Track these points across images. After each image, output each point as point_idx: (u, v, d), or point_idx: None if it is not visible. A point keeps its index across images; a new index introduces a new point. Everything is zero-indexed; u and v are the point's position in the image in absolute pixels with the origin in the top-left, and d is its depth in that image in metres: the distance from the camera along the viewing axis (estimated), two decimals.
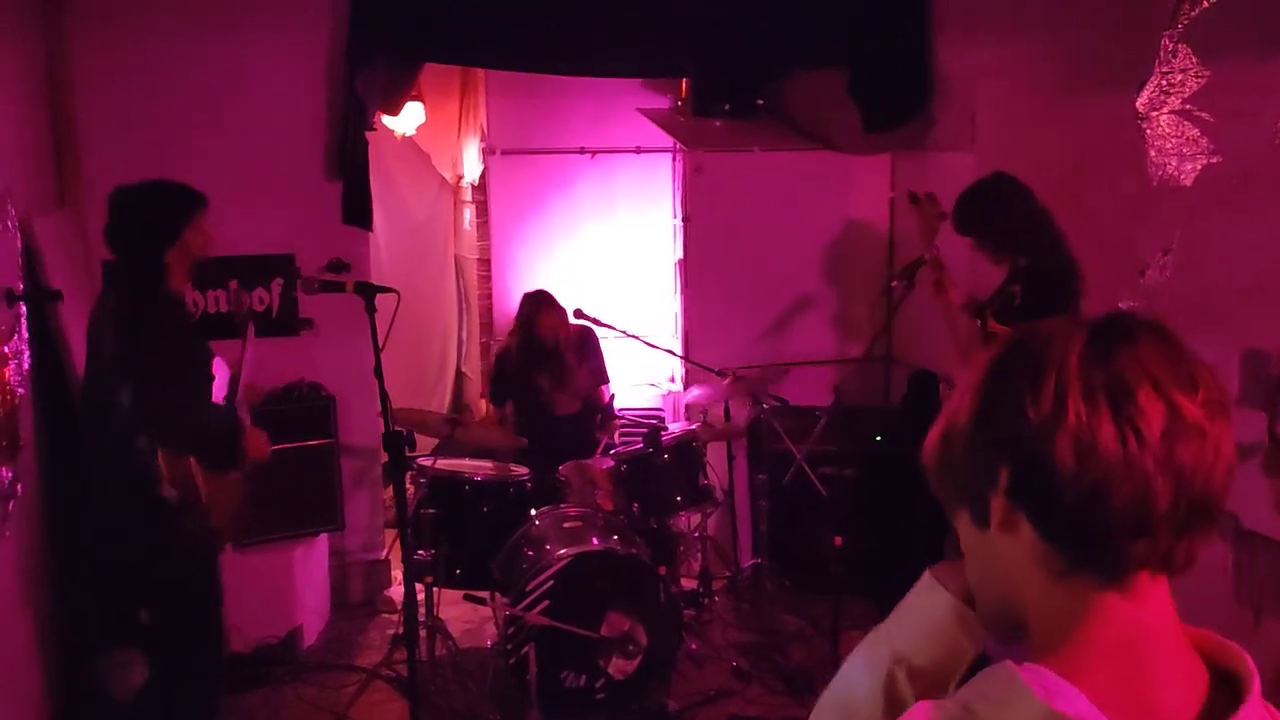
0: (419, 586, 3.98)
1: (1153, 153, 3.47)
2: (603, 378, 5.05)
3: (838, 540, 3.77)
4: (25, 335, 3.63)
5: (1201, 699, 0.83)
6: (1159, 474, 0.79)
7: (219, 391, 3.38)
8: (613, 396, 5.03)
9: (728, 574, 4.99)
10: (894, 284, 4.09)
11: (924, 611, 0.98)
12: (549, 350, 4.79)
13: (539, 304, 4.81)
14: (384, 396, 3.28)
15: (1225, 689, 0.84)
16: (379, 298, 3.45)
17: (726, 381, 4.61)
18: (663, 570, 3.91)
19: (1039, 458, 0.80)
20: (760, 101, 5.76)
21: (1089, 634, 0.83)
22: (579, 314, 4.83)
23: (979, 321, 3.60)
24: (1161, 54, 3.40)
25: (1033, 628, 0.87)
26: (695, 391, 4.75)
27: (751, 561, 4.87)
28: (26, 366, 3.58)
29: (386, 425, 3.25)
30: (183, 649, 3.29)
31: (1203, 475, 0.81)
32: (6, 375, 3.43)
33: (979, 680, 0.84)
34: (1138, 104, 3.51)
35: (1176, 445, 0.80)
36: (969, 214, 3.61)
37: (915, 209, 3.97)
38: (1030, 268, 3.49)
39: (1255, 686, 0.83)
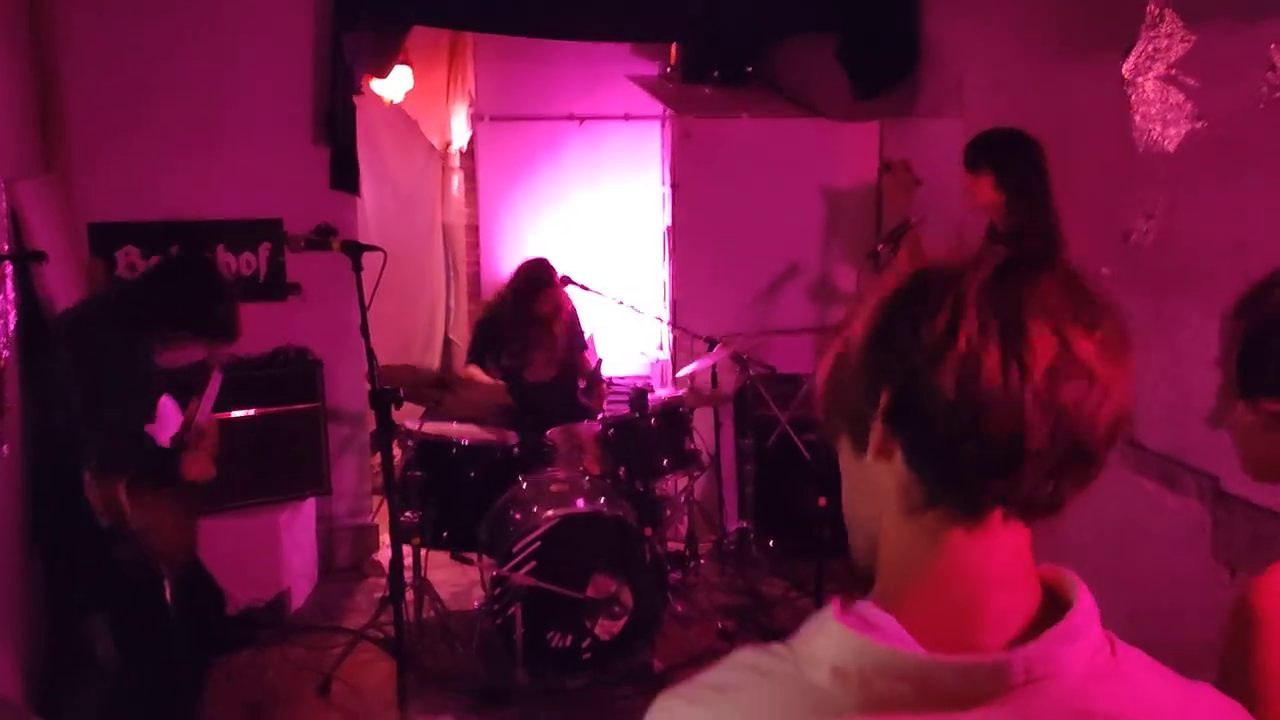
0: (407, 549, 4.01)
1: (1138, 118, 3.47)
2: (580, 343, 5.03)
3: (822, 501, 3.81)
4: (10, 296, 3.62)
5: (1028, 620, 0.83)
6: (1036, 411, 0.76)
7: (165, 430, 3.27)
8: (600, 362, 5.03)
9: (713, 537, 5.04)
10: (879, 248, 4.11)
11: None
12: (539, 321, 4.78)
13: (541, 281, 4.76)
14: (370, 355, 3.29)
15: (1057, 611, 0.83)
16: (366, 259, 3.46)
17: (715, 349, 4.63)
18: (648, 532, 3.95)
19: (921, 383, 0.78)
20: (749, 69, 5.76)
21: (927, 569, 0.83)
22: (566, 280, 4.82)
23: None
24: (1148, 19, 3.40)
25: (881, 562, 0.86)
26: (688, 369, 4.74)
27: (737, 525, 4.91)
28: (11, 328, 3.58)
29: (373, 384, 3.26)
30: (133, 665, 3.24)
31: (1085, 419, 0.78)
32: None
33: (810, 620, 0.85)
34: (1124, 69, 3.51)
35: (1061, 384, 0.77)
36: (992, 150, 3.61)
37: (887, 176, 3.99)
38: (1018, 231, 3.52)
39: (1085, 603, 0.83)
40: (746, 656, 0.85)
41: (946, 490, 0.81)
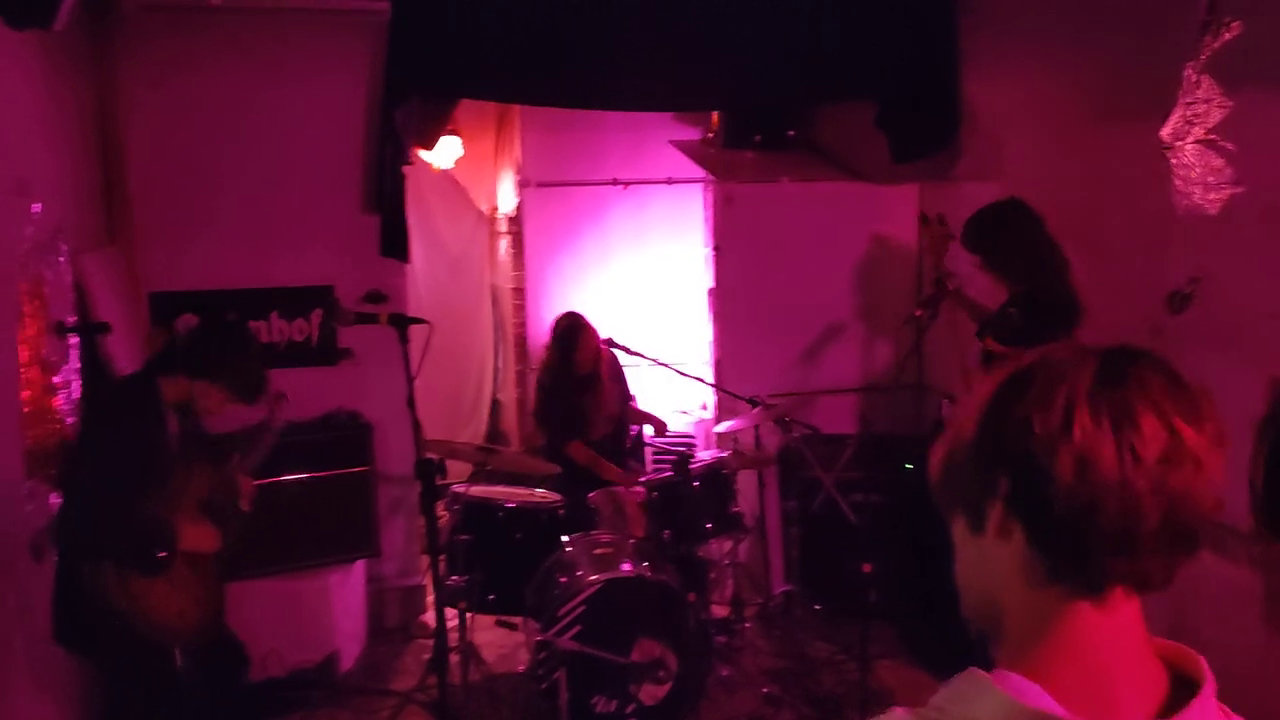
0: (453, 612, 4.05)
1: (1178, 182, 3.48)
2: (628, 395, 5.11)
3: (867, 567, 3.79)
4: (75, 366, 3.76)
5: (1161, 699, 0.88)
6: (1150, 495, 0.84)
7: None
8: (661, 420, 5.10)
9: (759, 600, 5.01)
10: (917, 313, 4.13)
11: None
12: (585, 374, 4.86)
13: (574, 329, 4.86)
14: (416, 426, 3.35)
15: (1183, 690, 0.89)
16: (414, 329, 3.54)
17: (757, 409, 4.65)
18: (692, 597, 3.95)
19: (1040, 469, 0.85)
20: (790, 133, 5.84)
21: (1059, 640, 0.89)
22: (610, 343, 4.90)
23: (980, 341, 3.70)
24: (1185, 85, 3.43)
25: (1007, 632, 0.92)
26: (727, 424, 4.79)
27: (782, 588, 4.89)
28: (76, 396, 3.71)
29: (418, 453, 3.32)
30: None
31: (1192, 501, 0.85)
32: (56, 404, 3.56)
33: (949, 684, 0.89)
34: (1162, 134, 3.53)
35: (1171, 471, 0.84)
36: (978, 234, 3.76)
37: (924, 229, 4.08)
38: (1029, 293, 3.61)
39: (1208, 685, 0.89)
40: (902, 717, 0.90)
41: (1069, 567, 0.88)
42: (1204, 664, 0.91)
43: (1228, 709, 0.91)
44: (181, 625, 3.07)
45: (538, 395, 5.02)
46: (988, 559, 0.93)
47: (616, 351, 4.94)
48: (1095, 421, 0.84)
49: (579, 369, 4.82)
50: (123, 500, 2.94)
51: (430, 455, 3.42)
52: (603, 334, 4.91)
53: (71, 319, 3.76)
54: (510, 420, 6.93)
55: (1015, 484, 0.88)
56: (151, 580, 2.97)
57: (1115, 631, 0.89)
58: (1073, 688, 0.86)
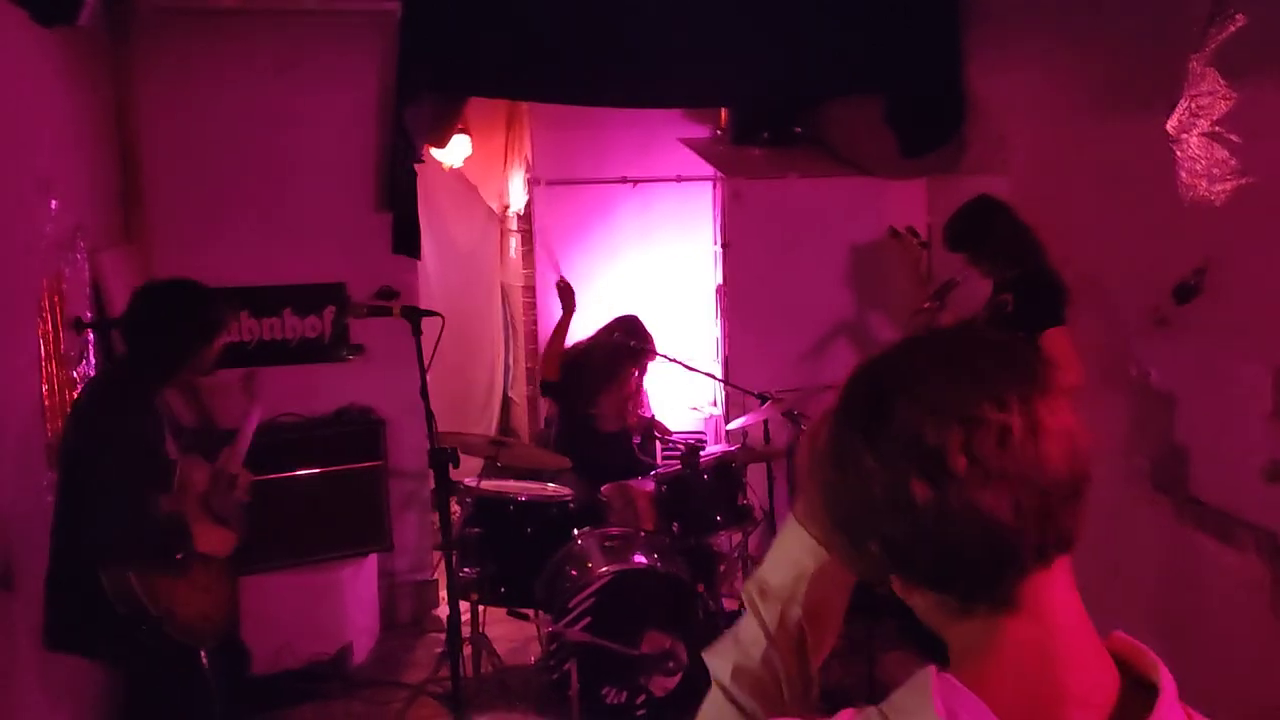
0: (465, 605, 4.09)
1: (1183, 174, 3.50)
2: (644, 407, 5.16)
3: None
4: (93, 361, 3.82)
5: (1111, 705, 0.85)
6: (984, 504, 0.81)
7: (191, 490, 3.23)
8: (652, 417, 5.12)
9: None
10: (926, 305, 4.17)
11: (782, 544, 1.14)
12: (624, 377, 4.90)
13: (641, 337, 4.91)
14: (429, 415, 3.39)
15: (1139, 694, 0.86)
16: (427, 322, 3.59)
17: (767, 404, 4.68)
18: (701, 588, 3.98)
19: (888, 537, 0.86)
20: (798, 129, 5.87)
21: (995, 654, 0.87)
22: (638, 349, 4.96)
23: None
24: (1190, 77, 3.45)
25: (950, 648, 0.91)
26: (738, 422, 4.82)
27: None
28: None
29: (432, 442, 3.36)
30: None
31: (1040, 472, 0.83)
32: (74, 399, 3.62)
33: (904, 687, 0.89)
34: (1168, 126, 3.55)
35: (990, 470, 0.81)
36: (956, 234, 3.87)
37: (897, 243, 4.18)
38: (1020, 278, 3.69)
39: (1168, 689, 0.86)
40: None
41: (972, 598, 0.87)
42: (1161, 665, 0.88)
43: (1192, 710, 0.88)
44: (205, 626, 3.09)
45: (576, 350, 5.04)
46: (916, 605, 0.92)
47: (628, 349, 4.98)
48: (898, 471, 0.83)
49: (622, 372, 4.87)
50: (137, 501, 2.93)
51: (444, 445, 3.45)
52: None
53: (89, 315, 3.82)
54: (521, 417, 6.98)
55: (886, 554, 0.87)
56: (174, 582, 2.98)
57: (1049, 633, 0.86)
58: (1016, 700, 0.84)
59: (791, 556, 1.11)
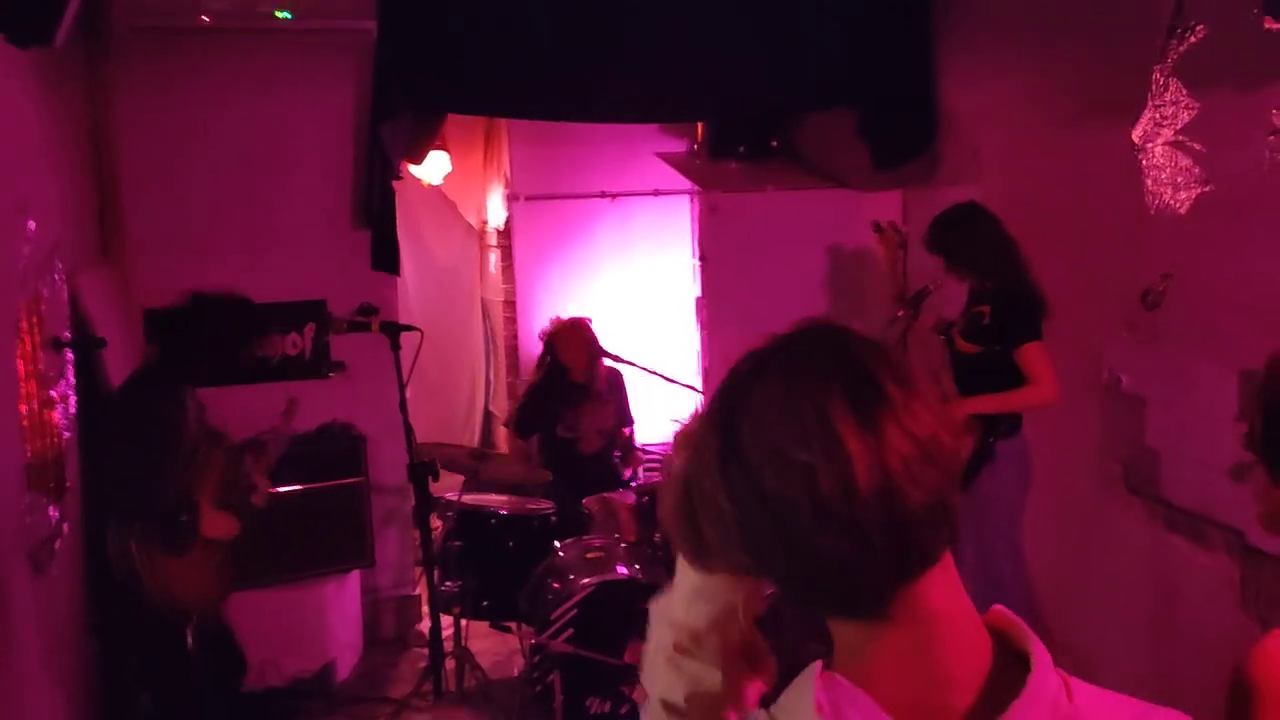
0: (448, 619, 4.10)
1: (1149, 183, 3.57)
2: (627, 419, 5.18)
3: None
4: (72, 380, 3.81)
5: (983, 675, 0.86)
6: (835, 548, 0.79)
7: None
8: (632, 433, 5.15)
9: None
10: (899, 313, 4.21)
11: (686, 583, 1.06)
12: (579, 381, 4.92)
13: (566, 328, 4.94)
14: (408, 430, 3.42)
15: (1014, 665, 0.86)
16: (406, 337, 3.61)
17: None
18: None
19: (748, 565, 0.87)
20: (774, 143, 5.93)
21: (875, 653, 0.86)
22: (601, 352, 4.97)
23: (945, 340, 3.78)
24: (1153, 87, 3.52)
25: (835, 645, 0.91)
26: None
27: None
28: (73, 410, 3.76)
29: (411, 456, 3.38)
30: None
31: (892, 510, 0.80)
32: (54, 418, 3.61)
33: (791, 686, 0.90)
34: (1133, 136, 3.62)
35: (837, 517, 0.79)
36: (937, 235, 3.84)
37: (879, 237, 4.19)
38: (999, 290, 3.68)
39: (1041, 659, 0.86)
40: None
41: (839, 613, 0.87)
42: (1033, 638, 0.88)
43: (1070, 677, 0.88)
44: (195, 606, 3.20)
45: (524, 392, 5.11)
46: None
47: (615, 365, 5.02)
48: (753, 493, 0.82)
49: (571, 373, 4.89)
50: (157, 464, 3.10)
51: (424, 458, 3.48)
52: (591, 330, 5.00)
53: (68, 335, 3.81)
54: (502, 432, 6.99)
55: (752, 569, 0.87)
56: (171, 557, 3.08)
57: (929, 632, 0.85)
58: (896, 691, 0.84)
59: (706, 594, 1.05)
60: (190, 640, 3.15)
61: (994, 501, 3.63)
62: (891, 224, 4.20)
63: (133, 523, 3.03)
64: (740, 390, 0.89)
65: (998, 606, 0.92)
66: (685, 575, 1.04)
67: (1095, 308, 3.84)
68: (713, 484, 0.86)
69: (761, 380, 0.87)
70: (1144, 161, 3.58)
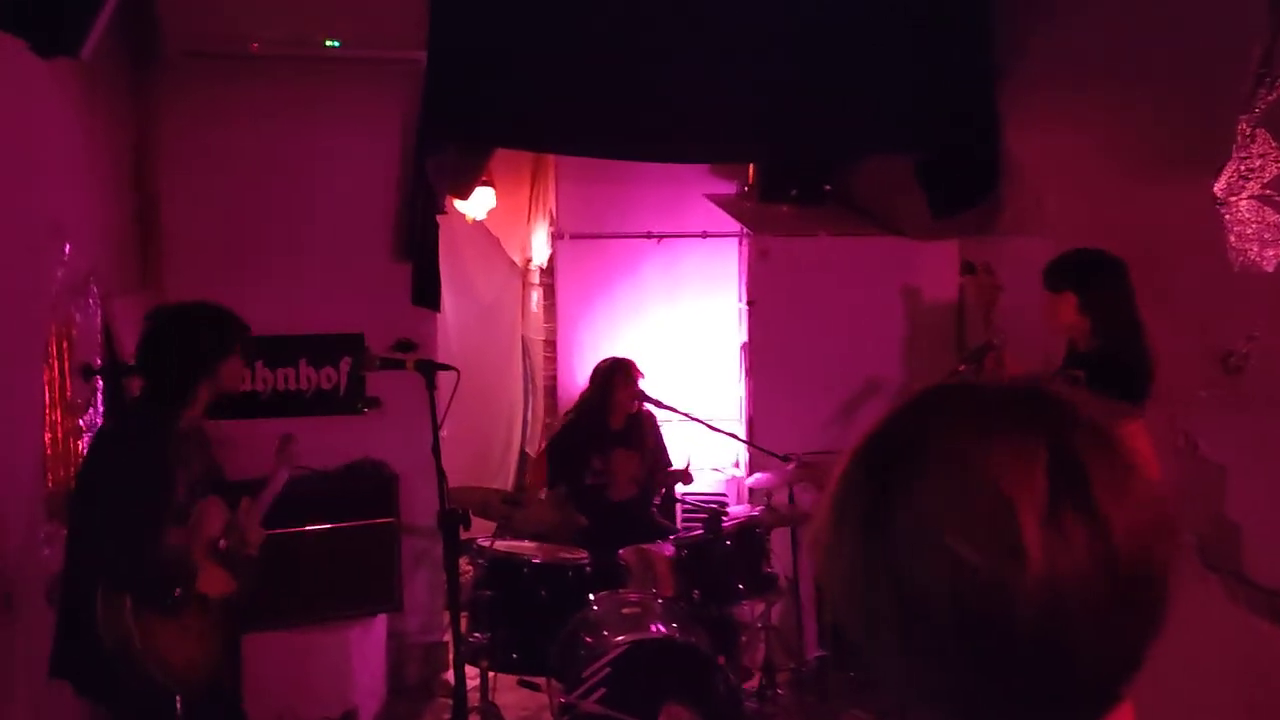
0: (475, 670, 3.92)
1: (1232, 238, 3.37)
2: (663, 460, 5.02)
3: None
4: (100, 409, 3.72)
5: None
6: (980, 647, 0.67)
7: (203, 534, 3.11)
8: (689, 464, 4.98)
9: (792, 666, 4.84)
10: (961, 368, 4.01)
11: None
12: (612, 428, 4.77)
13: (617, 369, 4.84)
14: (441, 475, 3.26)
15: None
16: (442, 377, 3.47)
17: (791, 466, 4.53)
18: (722, 660, 3.80)
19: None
20: (827, 187, 5.78)
21: None
22: (644, 397, 4.83)
23: None
24: (1239, 139, 3.33)
25: None
26: (759, 476, 4.68)
27: (816, 653, 4.72)
28: None
29: (442, 504, 3.23)
30: None
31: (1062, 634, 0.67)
32: (80, 448, 3.52)
33: None
34: (1215, 189, 3.42)
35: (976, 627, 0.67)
36: (1075, 272, 3.46)
37: (970, 279, 3.88)
38: (1103, 353, 3.38)
39: None
40: None
41: None
42: None
43: None
44: (188, 673, 2.94)
45: (551, 440, 4.98)
46: None
47: (655, 410, 4.88)
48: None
49: (612, 415, 4.75)
50: (145, 529, 2.84)
51: (455, 507, 3.31)
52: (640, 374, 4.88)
53: (99, 362, 3.73)
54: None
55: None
56: (165, 621, 2.86)
57: None
58: None
59: None
60: (180, 709, 2.94)
61: None
62: (986, 265, 3.85)
63: (126, 587, 2.79)
64: (902, 433, 0.73)
65: None
66: None
67: (1169, 368, 3.62)
68: (855, 541, 0.71)
69: (928, 422, 0.73)
70: (1227, 216, 3.39)
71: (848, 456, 0.76)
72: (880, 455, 0.73)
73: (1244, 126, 3.31)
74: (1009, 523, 0.65)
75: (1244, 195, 3.34)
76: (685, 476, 4.95)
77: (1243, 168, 3.34)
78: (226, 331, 3.08)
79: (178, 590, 2.87)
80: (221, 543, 3.12)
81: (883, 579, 0.69)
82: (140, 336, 3.07)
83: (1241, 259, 3.33)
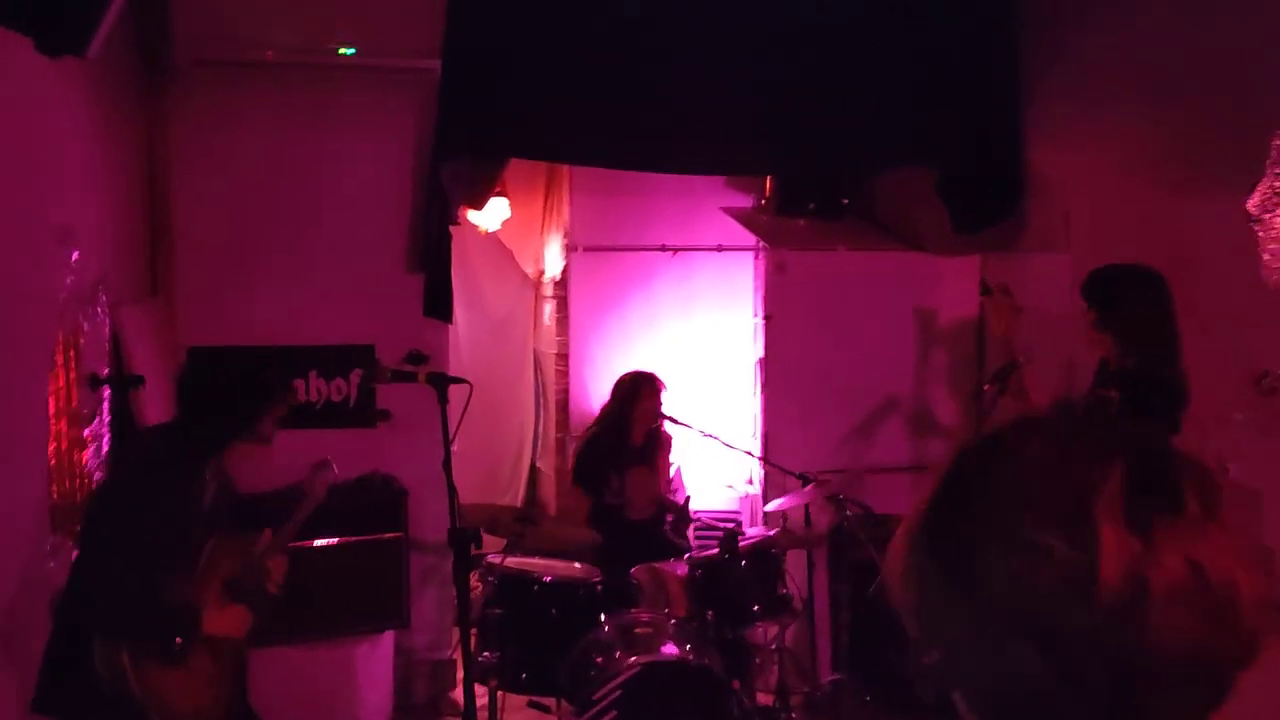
0: (483, 689, 3.84)
1: (1267, 256, 3.29)
2: (667, 477, 4.98)
3: (929, 658, 3.54)
4: (106, 419, 3.66)
5: None
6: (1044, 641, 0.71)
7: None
8: (688, 499, 4.90)
9: (806, 689, 4.74)
10: (986, 388, 3.92)
11: None
12: (632, 445, 4.70)
13: (642, 381, 4.80)
14: (452, 490, 3.18)
15: None
16: (454, 389, 3.40)
17: (808, 486, 4.44)
18: (736, 684, 3.72)
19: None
20: (845, 201, 5.70)
21: None
22: (663, 415, 4.79)
23: None
24: (1273, 154, 3.26)
25: None
26: (778, 501, 4.59)
27: (831, 677, 4.62)
28: (105, 450, 3.60)
29: (452, 521, 3.15)
30: None
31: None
32: (85, 459, 3.45)
33: None
34: (1249, 206, 3.34)
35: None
36: (1099, 286, 3.40)
37: (987, 299, 3.83)
38: (1138, 373, 3.28)
39: None
40: None
41: None
42: None
43: None
44: (200, 716, 2.84)
45: (581, 450, 4.89)
46: None
47: (671, 429, 4.83)
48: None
49: (633, 430, 4.67)
50: (147, 577, 2.73)
51: (465, 524, 3.22)
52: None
53: (106, 371, 3.67)
54: (549, 488, 6.76)
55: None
56: (169, 670, 2.74)
57: None
58: None
59: None
60: None
61: None
62: (1003, 286, 3.81)
63: (122, 637, 2.67)
64: (986, 476, 0.75)
65: None
66: None
67: (1200, 389, 3.52)
68: (935, 571, 0.75)
69: (1017, 462, 0.73)
70: (1261, 233, 3.30)
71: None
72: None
73: (1277, 142, 3.23)
74: (1087, 518, 0.65)
75: (1278, 212, 3.25)
76: (685, 514, 4.87)
77: (1277, 184, 3.26)
78: (267, 394, 3.03)
79: (179, 639, 2.76)
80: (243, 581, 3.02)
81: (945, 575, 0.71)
82: (180, 376, 3.03)
83: (1276, 277, 3.25)
